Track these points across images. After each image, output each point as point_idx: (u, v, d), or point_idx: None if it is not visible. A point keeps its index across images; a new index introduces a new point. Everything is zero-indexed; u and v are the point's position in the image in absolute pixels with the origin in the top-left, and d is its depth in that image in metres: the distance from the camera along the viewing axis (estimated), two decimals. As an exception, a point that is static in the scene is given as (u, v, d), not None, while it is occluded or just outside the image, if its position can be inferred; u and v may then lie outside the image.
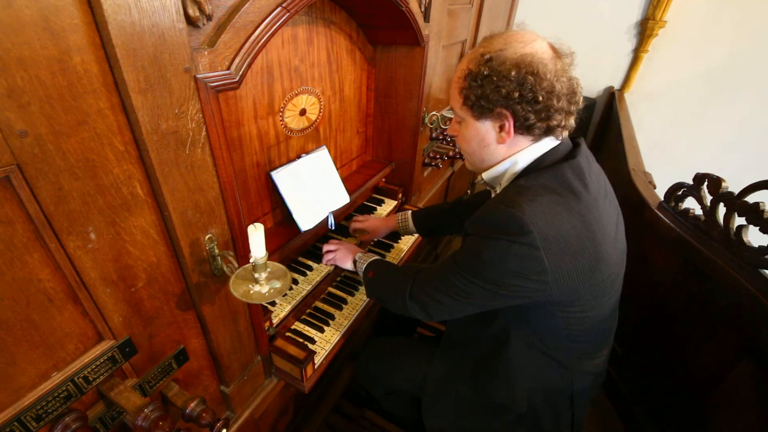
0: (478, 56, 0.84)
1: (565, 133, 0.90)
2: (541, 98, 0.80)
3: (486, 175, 0.97)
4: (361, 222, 1.52)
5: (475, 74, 0.84)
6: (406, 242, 1.62)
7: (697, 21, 2.76)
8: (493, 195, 1.05)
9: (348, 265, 1.28)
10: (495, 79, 0.81)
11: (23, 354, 0.57)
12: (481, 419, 1.09)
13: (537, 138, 0.87)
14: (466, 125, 0.92)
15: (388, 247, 1.59)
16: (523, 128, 0.85)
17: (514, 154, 0.90)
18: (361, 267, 1.21)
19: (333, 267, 1.35)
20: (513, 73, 0.79)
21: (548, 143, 0.88)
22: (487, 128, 0.89)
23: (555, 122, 0.83)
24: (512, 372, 1.01)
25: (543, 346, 0.96)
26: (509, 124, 0.85)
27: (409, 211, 1.51)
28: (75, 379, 0.64)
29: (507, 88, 0.80)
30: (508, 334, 0.98)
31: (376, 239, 1.56)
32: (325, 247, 1.34)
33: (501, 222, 0.79)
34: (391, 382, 1.32)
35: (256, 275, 0.77)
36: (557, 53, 0.84)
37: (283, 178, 1.23)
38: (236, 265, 0.78)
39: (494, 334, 1.01)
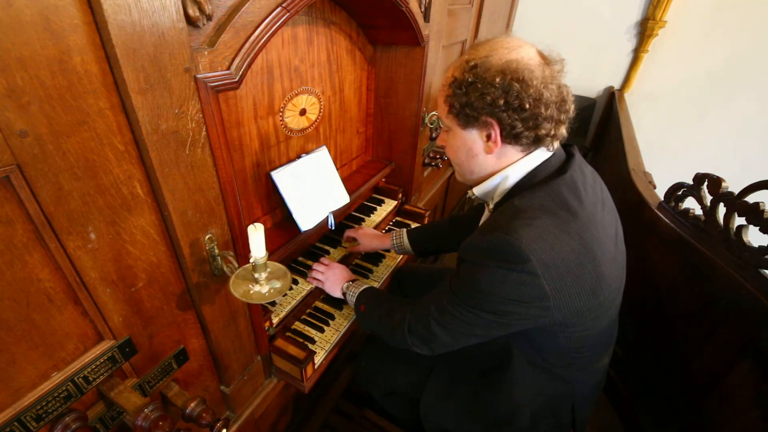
0: (463, 63, 0.82)
1: (557, 144, 0.87)
2: (527, 106, 0.77)
3: (477, 191, 0.94)
4: (354, 231, 1.47)
5: (459, 82, 0.82)
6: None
7: (697, 21, 2.76)
8: (486, 209, 1.03)
9: (336, 294, 1.23)
10: (480, 86, 0.78)
11: (23, 354, 0.57)
12: (481, 429, 1.09)
13: (527, 148, 0.85)
14: (454, 135, 0.89)
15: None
16: (511, 137, 0.82)
17: (504, 167, 0.87)
18: (352, 300, 1.17)
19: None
20: (498, 79, 0.77)
21: (539, 156, 0.86)
22: (474, 138, 0.86)
23: (544, 131, 0.81)
24: (514, 388, 1.00)
25: (545, 362, 0.96)
26: (495, 133, 0.82)
27: (404, 230, 1.47)
28: (75, 379, 0.64)
29: (492, 96, 0.78)
30: (509, 351, 0.97)
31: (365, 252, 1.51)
32: (315, 267, 1.28)
33: (497, 249, 0.75)
34: (390, 384, 1.31)
35: (256, 275, 0.77)
36: (546, 60, 0.81)
37: (283, 178, 1.23)
38: (236, 265, 0.78)
39: (495, 351, 1.01)
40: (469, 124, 0.85)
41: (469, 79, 0.80)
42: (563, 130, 0.84)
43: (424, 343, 0.94)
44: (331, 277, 1.24)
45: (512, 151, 0.85)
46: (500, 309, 0.79)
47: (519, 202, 0.80)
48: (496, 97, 0.78)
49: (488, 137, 0.84)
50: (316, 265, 1.28)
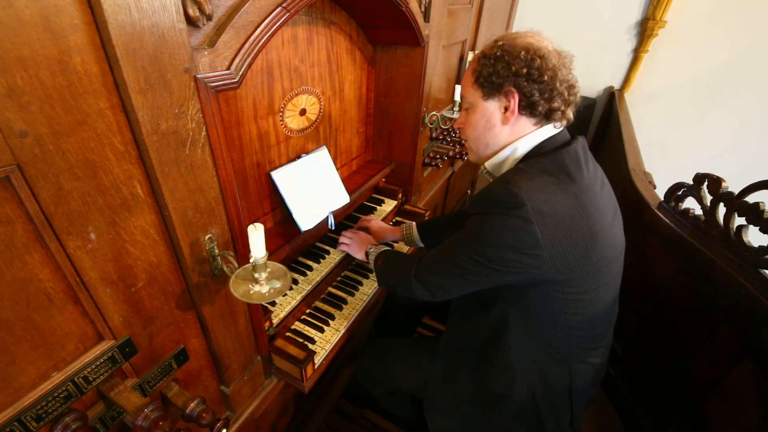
0: (491, 43, 0.95)
1: (564, 123, 0.95)
2: (546, 78, 0.87)
3: (489, 164, 1.02)
4: (366, 221, 1.53)
5: (488, 55, 0.92)
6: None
7: (697, 21, 2.76)
8: None
9: (360, 256, 1.34)
10: (506, 57, 0.89)
11: (23, 354, 0.57)
12: (482, 412, 1.09)
13: (538, 122, 0.93)
14: (474, 109, 0.98)
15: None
16: (527, 107, 0.91)
17: (516, 140, 0.95)
18: (372, 257, 1.27)
19: (333, 267, 1.35)
20: (522, 53, 0.88)
21: (548, 130, 0.94)
22: (493, 109, 0.95)
23: (556, 104, 0.90)
24: (511, 360, 1.02)
25: (541, 334, 0.97)
26: (514, 102, 0.91)
27: (414, 222, 1.52)
28: (75, 379, 0.64)
29: (516, 66, 0.88)
30: (506, 321, 0.99)
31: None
32: (342, 234, 1.40)
33: (497, 197, 0.84)
34: (391, 383, 1.32)
35: (256, 275, 0.77)
36: (559, 52, 0.93)
37: (283, 178, 1.23)
38: (236, 265, 0.78)
39: (493, 322, 1.02)
40: (491, 94, 0.94)
41: (497, 53, 0.91)
42: (570, 112, 0.94)
43: (425, 287, 1.03)
44: (357, 241, 1.37)
45: (526, 123, 0.94)
46: (496, 255, 0.85)
47: (523, 165, 0.91)
48: (520, 67, 0.88)
49: (506, 108, 0.93)
50: (343, 234, 1.41)
